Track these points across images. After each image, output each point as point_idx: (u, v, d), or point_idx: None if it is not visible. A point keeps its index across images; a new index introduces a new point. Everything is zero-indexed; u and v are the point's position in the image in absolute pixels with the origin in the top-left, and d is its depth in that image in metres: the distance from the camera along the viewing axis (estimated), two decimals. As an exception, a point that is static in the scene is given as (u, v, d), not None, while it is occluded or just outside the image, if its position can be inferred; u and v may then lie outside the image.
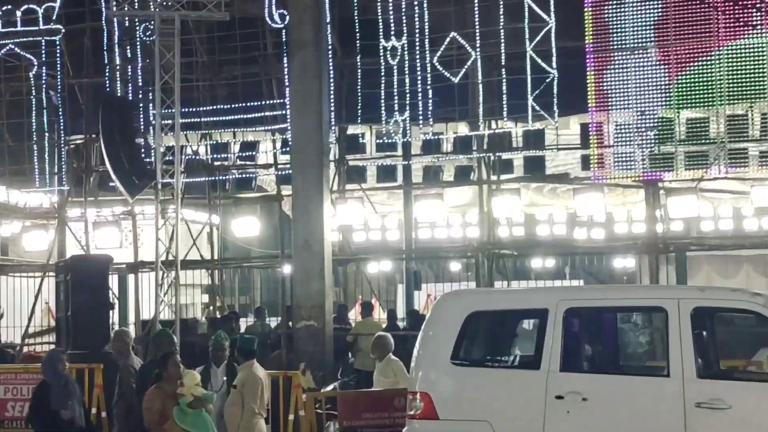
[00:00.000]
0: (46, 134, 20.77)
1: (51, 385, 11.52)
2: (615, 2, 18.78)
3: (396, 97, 19.30)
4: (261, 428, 11.31)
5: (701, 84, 18.52)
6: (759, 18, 18.13)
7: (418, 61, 19.48)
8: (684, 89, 18.64)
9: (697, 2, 18.38)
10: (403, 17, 19.53)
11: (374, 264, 25.84)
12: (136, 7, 18.15)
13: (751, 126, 19.13)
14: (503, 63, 19.30)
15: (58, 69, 21.13)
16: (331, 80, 19.13)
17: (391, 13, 19.52)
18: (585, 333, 10.04)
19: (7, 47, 21.13)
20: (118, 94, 20.33)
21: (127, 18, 19.86)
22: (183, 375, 10.28)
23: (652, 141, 18.91)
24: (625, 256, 25.94)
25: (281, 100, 19.88)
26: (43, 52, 21.08)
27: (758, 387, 9.31)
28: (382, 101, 19.44)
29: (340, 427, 12.22)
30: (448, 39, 19.53)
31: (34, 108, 20.70)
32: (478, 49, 19.35)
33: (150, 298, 19.78)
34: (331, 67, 19.09)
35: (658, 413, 9.15)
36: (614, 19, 18.82)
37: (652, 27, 18.69)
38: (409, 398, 10.04)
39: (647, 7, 18.65)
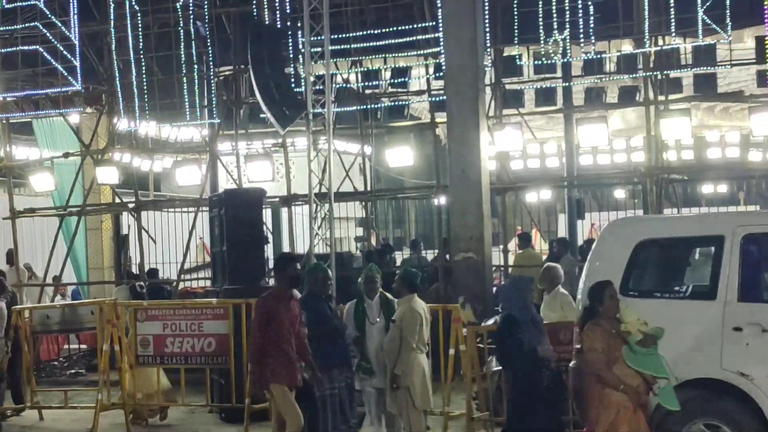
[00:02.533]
0: (195, 66, 21.04)
1: (518, 321, 10.16)
2: None
3: (555, 15, 18.91)
4: (420, 363, 11.41)
5: None
6: None
7: (577, -26, 19.02)
8: None
9: None
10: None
11: (533, 193, 25.71)
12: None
13: None
14: (669, -26, 18.67)
15: (205, -1, 21.43)
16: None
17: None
18: (765, 260, 9.80)
19: (154, -21, 21.46)
20: (266, 23, 20.53)
21: (273, -56, 20.03)
22: (621, 309, 9.36)
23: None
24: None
25: (433, 23, 19.77)
26: (189, -18, 21.34)
27: None
28: (540, 19, 19.06)
29: (502, 361, 12.22)
30: (608, -51, 19.02)
31: (182, 40, 20.98)
32: (641, -40, 18.78)
33: (304, 232, 20.16)
34: (485, -15, 18.83)
35: None
36: None
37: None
38: (576, 331, 10.01)
39: None
